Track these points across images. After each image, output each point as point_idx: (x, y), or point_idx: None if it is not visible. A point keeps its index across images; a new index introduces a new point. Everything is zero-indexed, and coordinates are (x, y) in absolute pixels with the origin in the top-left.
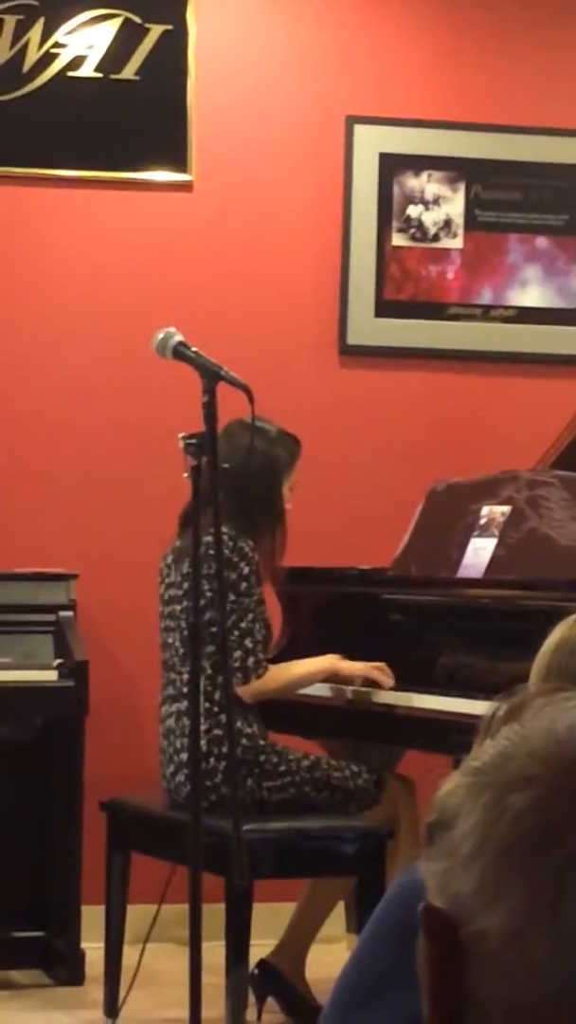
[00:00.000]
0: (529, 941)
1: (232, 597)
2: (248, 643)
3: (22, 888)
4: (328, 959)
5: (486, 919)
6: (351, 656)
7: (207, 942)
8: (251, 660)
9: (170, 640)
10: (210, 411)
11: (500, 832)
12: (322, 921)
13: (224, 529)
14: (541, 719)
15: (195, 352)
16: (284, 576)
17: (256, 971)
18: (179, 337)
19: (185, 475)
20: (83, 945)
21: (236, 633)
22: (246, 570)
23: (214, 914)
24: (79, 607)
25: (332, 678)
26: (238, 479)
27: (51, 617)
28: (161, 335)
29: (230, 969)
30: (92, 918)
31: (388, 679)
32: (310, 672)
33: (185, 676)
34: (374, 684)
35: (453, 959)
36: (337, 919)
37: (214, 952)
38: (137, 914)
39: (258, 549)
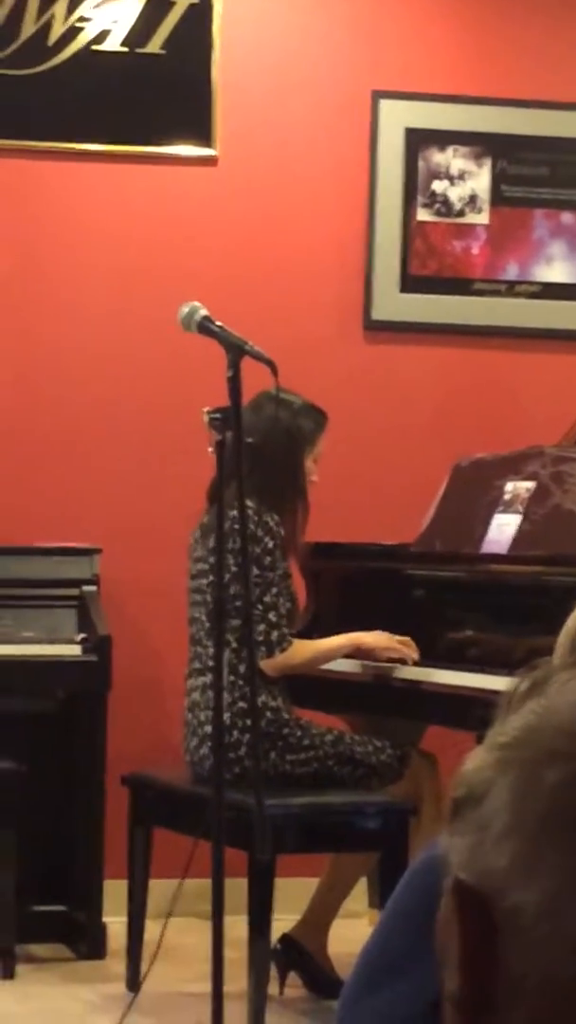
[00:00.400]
0: (564, 916)
1: (256, 571)
2: (272, 617)
3: (44, 862)
4: (350, 934)
5: (520, 895)
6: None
7: (229, 916)
8: (275, 634)
9: (197, 614)
10: (235, 385)
11: (532, 808)
12: (345, 896)
13: (248, 503)
14: (567, 693)
15: (220, 326)
16: (308, 551)
17: (278, 946)
18: (204, 311)
19: (209, 450)
20: (105, 919)
21: (260, 607)
22: (270, 544)
23: (236, 888)
24: (103, 582)
25: (356, 653)
26: (260, 452)
27: (75, 592)
28: (186, 309)
29: (252, 944)
30: (114, 892)
31: (413, 653)
32: (335, 647)
33: (211, 650)
34: (399, 659)
35: (485, 934)
36: (360, 894)
37: (236, 926)
38: (159, 888)
39: (282, 523)
